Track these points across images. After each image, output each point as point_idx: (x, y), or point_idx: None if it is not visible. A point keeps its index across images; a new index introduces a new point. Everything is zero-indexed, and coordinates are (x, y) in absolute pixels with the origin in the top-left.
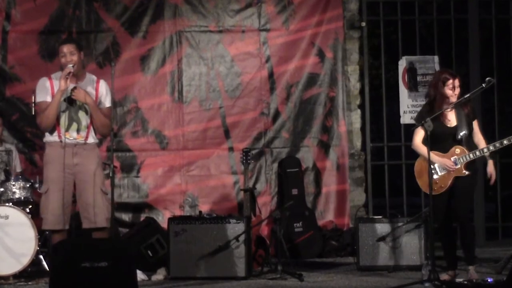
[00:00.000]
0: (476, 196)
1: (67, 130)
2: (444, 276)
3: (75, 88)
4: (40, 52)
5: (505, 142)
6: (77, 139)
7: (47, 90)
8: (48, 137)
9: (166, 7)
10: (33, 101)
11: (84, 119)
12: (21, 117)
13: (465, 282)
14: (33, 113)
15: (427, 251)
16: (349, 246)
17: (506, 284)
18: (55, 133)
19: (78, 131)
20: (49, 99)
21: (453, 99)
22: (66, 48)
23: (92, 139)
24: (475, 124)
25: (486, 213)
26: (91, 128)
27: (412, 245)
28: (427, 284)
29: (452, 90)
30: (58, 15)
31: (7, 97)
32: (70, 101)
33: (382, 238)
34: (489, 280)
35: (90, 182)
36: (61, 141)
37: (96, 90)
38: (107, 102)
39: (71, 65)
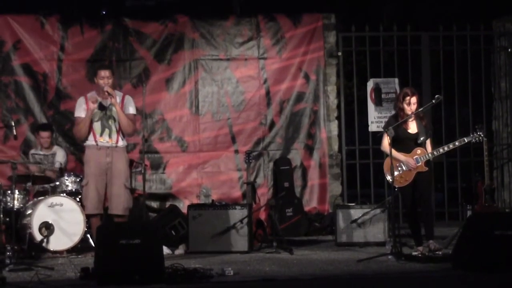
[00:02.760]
0: None
1: (101, 135)
2: (415, 253)
3: (101, 102)
4: (87, 76)
5: (457, 143)
6: (109, 143)
7: (83, 107)
8: (87, 142)
9: (186, 40)
10: None
11: (114, 126)
12: (72, 126)
13: (419, 255)
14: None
15: (390, 230)
16: (329, 227)
17: (452, 256)
18: (92, 138)
19: (109, 136)
20: (83, 114)
21: (408, 112)
22: (103, 73)
23: (121, 142)
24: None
25: (436, 201)
26: (120, 133)
27: (378, 226)
28: (390, 257)
29: (408, 105)
30: (101, 46)
31: (61, 111)
32: (102, 107)
33: (355, 221)
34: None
35: (117, 178)
36: (96, 144)
37: (122, 101)
38: (130, 110)
39: (107, 87)
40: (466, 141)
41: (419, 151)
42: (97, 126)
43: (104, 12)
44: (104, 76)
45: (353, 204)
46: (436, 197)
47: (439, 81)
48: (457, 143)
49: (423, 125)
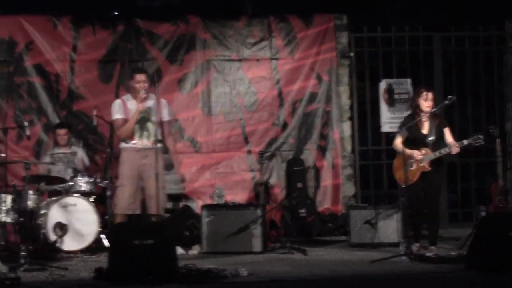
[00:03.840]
0: (442, 188)
1: (139, 138)
2: (428, 253)
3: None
4: (99, 76)
5: (457, 145)
6: (147, 145)
7: (121, 109)
8: (123, 144)
9: (198, 41)
10: (95, 114)
11: (152, 129)
12: (85, 127)
13: (433, 256)
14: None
15: (403, 231)
16: (342, 228)
17: (466, 257)
18: (130, 141)
19: (148, 138)
20: (123, 116)
21: (426, 109)
22: (139, 77)
23: (158, 144)
24: (446, 130)
25: (449, 201)
26: (158, 136)
27: (391, 226)
28: (403, 258)
29: (425, 100)
30: (113, 47)
31: (74, 111)
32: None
33: (368, 221)
34: None
35: (154, 179)
36: (135, 147)
37: (159, 106)
38: (166, 116)
39: (143, 90)
40: (465, 143)
41: (423, 151)
42: (135, 129)
43: (116, 13)
44: (140, 80)
45: (366, 204)
46: (450, 198)
47: (452, 81)
48: (457, 145)
49: (434, 126)
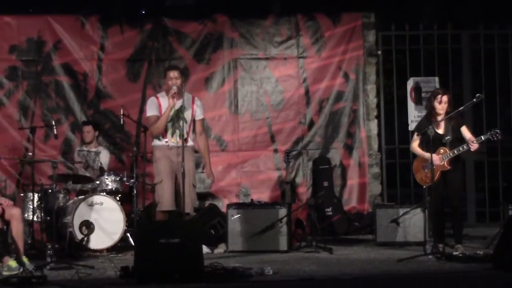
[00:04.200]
0: (469, 187)
1: (172, 136)
2: (455, 252)
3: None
4: (127, 75)
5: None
6: (179, 143)
7: (156, 107)
8: (156, 142)
9: (225, 39)
10: (122, 112)
11: (184, 127)
12: (112, 126)
13: (460, 255)
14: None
15: (430, 230)
16: (369, 227)
17: (493, 256)
18: (162, 139)
19: (179, 136)
20: (157, 113)
21: (440, 111)
22: (172, 74)
23: (190, 142)
24: (463, 129)
25: (477, 201)
26: (190, 134)
27: (418, 225)
28: (430, 256)
29: (439, 103)
30: (141, 46)
31: (101, 110)
32: (177, 114)
33: (395, 220)
34: None
35: (187, 177)
36: (168, 145)
37: (192, 105)
38: (199, 114)
39: (175, 87)
40: (483, 139)
41: (442, 151)
42: (167, 127)
43: (143, 12)
44: (173, 77)
45: (393, 203)
46: (477, 197)
47: (480, 79)
48: (475, 141)
49: (451, 126)
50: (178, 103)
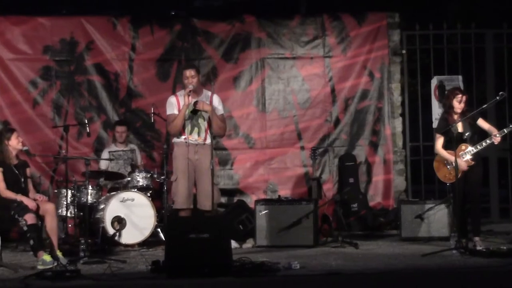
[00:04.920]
0: (492, 184)
1: (190, 133)
2: (479, 247)
3: (196, 101)
4: (157, 74)
5: (498, 134)
6: (197, 140)
7: (174, 105)
8: (176, 139)
9: (253, 39)
10: (152, 111)
11: (203, 125)
12: (143, 124)
13: (484, 250)
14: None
15: (454, 225)
16: (394, 222)
17: None
18: (181, 136)
19: (198, 134)
20: (176, 111)
21: (458, 110)
22: (188, 72)
23: (209, 140)
24: (480, 121)
25: (500, 197)
26: (208, 132)
27: (442, 221)
28: (454, 251)
29: (459, 102)
30: (170, 46)
31: (133, 109)
32: (194, 111)
33: (419, 216)
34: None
35: (205, 175)
36: (186, 142)
37: (210, 102)
38: (219, 110)
39: (191, 85)
40: (505, 131)
41: (463, 147)
42: (187, 124)
43: (173, 13)
44: (189, 76)
45: (417, 199)
46: (500, 193)
47: (503, 78)
48: (497, 135)
49: (467, 123)
50: (193, 100)
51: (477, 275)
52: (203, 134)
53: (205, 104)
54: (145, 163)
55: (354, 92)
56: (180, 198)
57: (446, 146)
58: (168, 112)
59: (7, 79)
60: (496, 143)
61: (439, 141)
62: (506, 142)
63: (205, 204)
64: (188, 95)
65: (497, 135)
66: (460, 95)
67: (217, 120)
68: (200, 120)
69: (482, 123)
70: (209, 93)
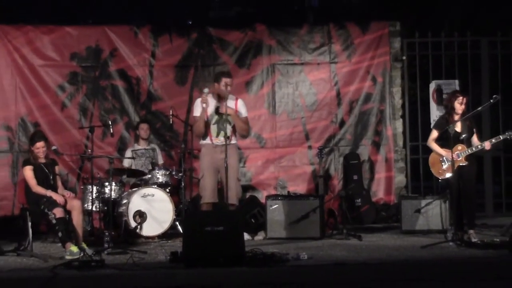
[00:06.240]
0: (487, 181)
1: (216, 136)
2: (474, 239)
3: (219, 106)
4: (175, 79)
5: (493, 140)
6: (223, 142)
7: (199, 108)
8: (202, 141)
9: (264, 47)
10: (171, 113)
11: (228, 128)
12: (162, 125)
13: (479, 242)
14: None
15: (451, 219)
16: (394, 216)
17: (509, 243)
18: (208, 138)
19: (224, 136)
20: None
21: (458, 111)
22: (228, 81)
23: (234, 140)
24: (475, 131)
25: (494, 193)
26: (233, 134)
27: (439, 215)
28: (451, 243)
29: (460, 104)
30: (188, 53)
31: (153, 111)
32: (219, 115)
33: (418, 210)
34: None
35: (231, 172)
36: (212, 143)
37: (235, 105)
38: (243, 113)
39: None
40: (501, 138)
41: (460, 147)
42: (213, 128)
43: (190, 22)
44: (228, 84)
45: (417, 195)
46: (494, 189)
47: (497, 82)
48: (493, 140)
49: (467, 125)
50: (213, 103)
51: (472, 266)
52: (228, 136)
53: (228, 108)
54: (164, 162)
55: (358, 95)
56: (207, 193)
57: (442, 144)
58: (195, 113)
59: (37, 83)
60: (487, 149)
61: (433, 135)
62: (501, 143)
63: (232, 198)
64: (205, 102)
65: (493, 140)
66: (461, 97)
67: (241, 122)
68: (226, 124)
69: (474, 136)
70: (234, 97)
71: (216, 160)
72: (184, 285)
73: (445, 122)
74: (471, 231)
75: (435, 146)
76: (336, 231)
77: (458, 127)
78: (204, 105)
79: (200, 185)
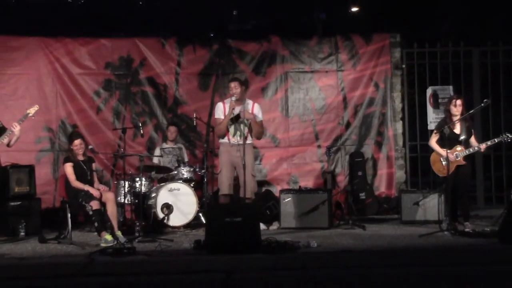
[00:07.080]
0: (478, 176)
1: (233, 136)
2: (467, 229)
3: (240, 112)
4: (199, 86)
5: (489, 143)
6: (239, 141)
7: (221, 110)
8: (221, 140)
9: (278, 56)
10: (195, 116)
11: (244, 129)
12: (187, 127)
13: (471, 231)
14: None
15: (446, 211)
16: (395, 208)
17: (498, 232)
18: (226, 138)
19: (240, 136)
20: (222, 116)
21: (455, 113)
22: (233, 84)
23: (249, 140)
24: (473, 132)
25: (485, 187)
26: (249, 134)
27: (435, 207)
28: (446, 232)
29: (454, 106)
30: (209, 62)
31: (178, 114)
32: (236, 118)
33: (417, 203)
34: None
35: (246, 168)
36: (229, 142)
37: (252, 109)
38: (259, 117)
39: (234, 96)
40: (496, 141)
41: (459, 148)
42: (231, 129)
43: (212, 35)
44: (233, 87)
45: (415, 189)
46: (485, 184)
47: (487, 88)
48: (489, 143)
49: (466, 127)
50: (238, 109)
51: (465, 253)
52: (243, 136)
53: (248, 113)
54: (189, 159)
55: (362, 100)
56: (223, 186)
57: (441, 144)
58: (216, 116)
59: (76, 90)
60: (481, 151)
61: (434, 138)
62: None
63: (247, 192)
64: (232, 109)
65: (489, 143)
66: (454, 100)
67: (257, 126)
68: (242, 126)
69: (473, 135)
70: (251, 101)
71: (232, 157)
72: (207, 269)
73: (444, 124)
74: (467, 223)
75: (435, 146)
76: (343, 221)
77: (457, 129)
78: (234, 110)
79: (218, 179)
